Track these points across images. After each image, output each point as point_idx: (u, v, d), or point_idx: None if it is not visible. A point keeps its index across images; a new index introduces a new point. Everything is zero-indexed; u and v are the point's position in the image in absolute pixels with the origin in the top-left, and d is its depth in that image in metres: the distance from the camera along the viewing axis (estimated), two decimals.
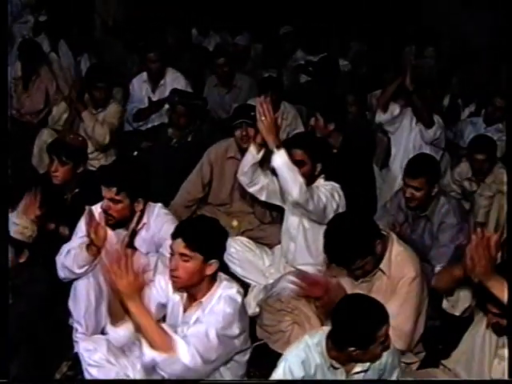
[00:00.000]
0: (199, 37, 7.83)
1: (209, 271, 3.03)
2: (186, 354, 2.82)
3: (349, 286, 3.43)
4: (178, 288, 3.09)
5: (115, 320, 3.01)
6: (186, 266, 2.99)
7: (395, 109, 5.53)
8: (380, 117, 5.62)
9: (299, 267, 4.01)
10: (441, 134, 5.44)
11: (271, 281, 4.07)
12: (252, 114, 4.28)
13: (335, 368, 2.91)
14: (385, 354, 2.90)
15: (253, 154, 3.88)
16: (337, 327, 2.84)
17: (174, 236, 3.03)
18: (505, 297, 2.82)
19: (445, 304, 3.44)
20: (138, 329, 2.83)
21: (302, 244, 3.99)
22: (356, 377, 2.92)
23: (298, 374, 2.89)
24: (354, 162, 4.69)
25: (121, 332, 3.03)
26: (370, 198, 4.85)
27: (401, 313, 3.33)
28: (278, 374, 2.93)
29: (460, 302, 3.25)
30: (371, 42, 8.14)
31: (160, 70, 6.08)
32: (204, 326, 2.93)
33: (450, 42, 8.37)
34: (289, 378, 2.89)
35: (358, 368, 2.91)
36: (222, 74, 6.32)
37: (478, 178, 5.02)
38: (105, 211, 3.48)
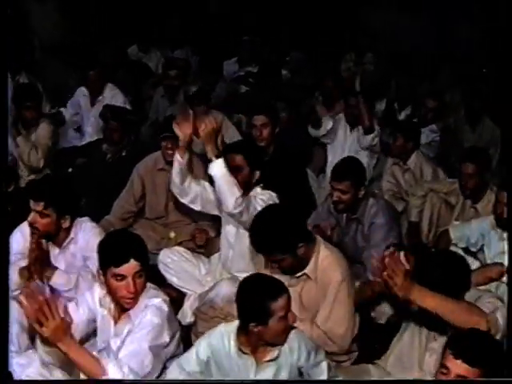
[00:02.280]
0: (139, 53, 7.87)
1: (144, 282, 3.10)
2: (118, 376, 2.84)
3: None
4: (129, 308, 3.10)
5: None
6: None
7: (328, 123, 5.70)
8: (315, 132, 5.77)
9: (236, 274, 4.03)
10: (378, 140, 5.59)
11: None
12: None
13: (244, 353, 2.97)
14: (298, 348, 2.96)
15: (178, 160, 3.91)
16: (237, 304, 2.93)
17: (124, 260, 3.01)
18: (429, 304, 2.87)
19: (373, 313, 3.56)
20: (71, 362, 2.87)
21: (241, 251, 4.01)
22: (269, 369, 2.96)
23: (203, 356, 3.01)
24: (287, 169, 4.74)
25: (49, 354, 3.05)
26: (306, 204, 4.91)
27: (331, 317, 3.40)
28: (185, 355, 3.06)
29: (384, 313, 3.33)
30: (310, 50, 8.27)
31: (99, 87, 6.15)
32: (136, 343, 2.96)
33: (388, 48, 8.53)
34: (194, 359, 3.00)
35: (268, 356, 2.96)
36: (170, 87, 6.36)
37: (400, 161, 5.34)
38: (31, 224, 3.50)
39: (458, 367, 2.57)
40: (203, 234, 4.53)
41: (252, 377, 2.98)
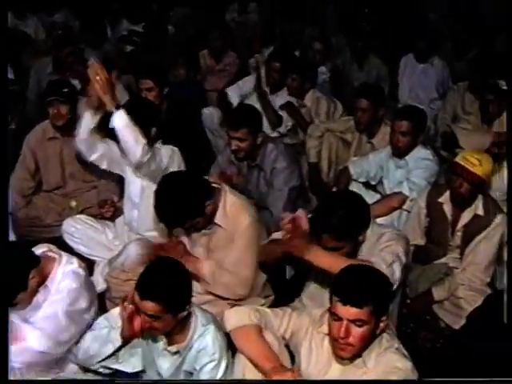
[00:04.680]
0: (15, 20, 7.51)
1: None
2: (34, 340, 2.86)
3: (188, 241, 3.54)
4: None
5: None
6: None
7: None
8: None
9: (145, 234, 4.00)
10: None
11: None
12: (65, 90, 4.23)
13: None
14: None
15: (88, 119, 3.76)
16: None
17: None
18: (324, 264, 2.95)
19: None
20: None
21: (146, 210, 3.92)
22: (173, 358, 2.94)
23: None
24: (182, 124, 4.70)
25: None
26: (203, 156, 4.90)
27: (240, 259, 3.44)
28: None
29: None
30: (194, 3, 8.18)
31: None
32: (52, 307, 2.95)
33: None
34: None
35: (175, 347, 2.92)
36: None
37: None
38: None
39: (348, 313, 2.51)
40: (110, 206, 4.39)
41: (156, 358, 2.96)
